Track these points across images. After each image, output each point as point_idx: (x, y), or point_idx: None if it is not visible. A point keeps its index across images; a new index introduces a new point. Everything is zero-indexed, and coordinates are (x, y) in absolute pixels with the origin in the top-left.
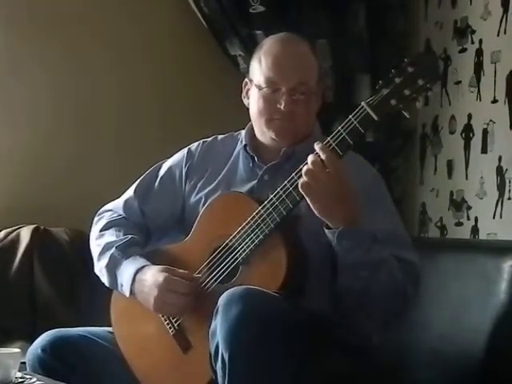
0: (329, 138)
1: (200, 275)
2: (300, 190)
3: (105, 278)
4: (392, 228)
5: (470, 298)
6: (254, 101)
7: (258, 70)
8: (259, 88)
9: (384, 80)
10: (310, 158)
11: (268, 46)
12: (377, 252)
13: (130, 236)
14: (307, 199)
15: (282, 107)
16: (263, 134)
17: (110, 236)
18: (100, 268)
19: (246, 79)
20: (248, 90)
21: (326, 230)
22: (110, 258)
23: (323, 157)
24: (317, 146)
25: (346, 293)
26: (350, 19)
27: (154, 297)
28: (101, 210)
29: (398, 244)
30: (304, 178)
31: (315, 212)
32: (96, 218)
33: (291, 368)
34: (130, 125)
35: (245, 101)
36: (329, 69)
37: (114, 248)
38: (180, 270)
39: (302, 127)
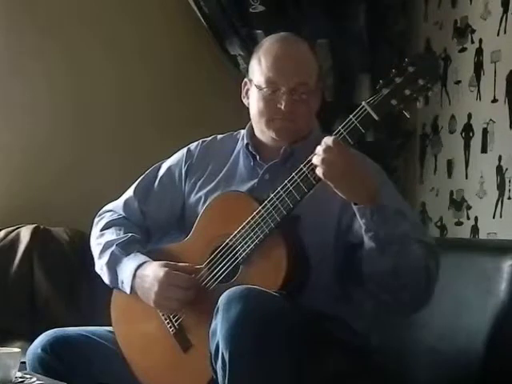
0: None
1: (202, 267)
2: (322, 178)
3: (105, 276)
4: (409, 211)
5: (469, 297)
6: (253, 101)
7: (258, 71)
8: (259, 88)
9: (384, 80)
10: (321, 147)
11: (267, 45)
12: (404, 226)
13: (130, 234)
14: (331, 185)
15: (282, 107)
16: (263, 134)
17: (111, 235)
18: (101, 266)
19: (246, 79)
20: (248, 90)
21: (355, 207)
22: (111, 255)
23: (332, 143)
24: (326, 138)
25: (376, 274)
26: (349, 19)
27: (155, 292)
28: (101, 211)
29: (415, 227)
30: (321, 167)
31: (342, 196)
32: (96, 219)
33: (291, 367)
34: (129, 125)
35: (244, 101)
36: (329, 69)
37: (114, 245)
38: (181, 264)
39: (302, 127)
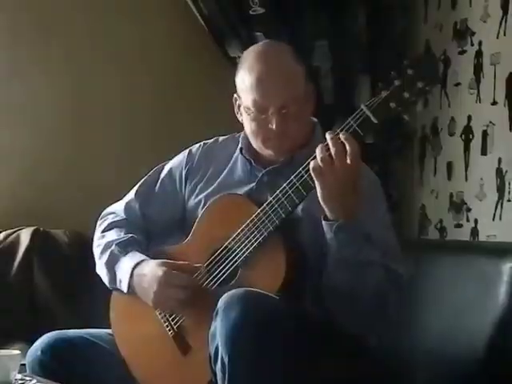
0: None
1: (200, 265)
2: (311, 172)
3: (105, 276)
4: (383, 236)
5: (469, 299)
6: (246, 122)
7: (244, 91)
8: (248, 111)
9: (383, 82)
10: (331, 140)
11: (249, 63)
12: (367, 253)
13: (130, 235)
14: (316, 183)
15: (273, 128)
16: (261, 151)
17: (111, 236)
18: (100, 266)
19: (235, 95)
20: (239, 105)
21: (324, 222)
22: (110, 254)
23: (344, 143)
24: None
25: (332, 290)
26: (350, 20)
27: (154, 291)
28: (103, 213)
29: (387, 252)
30: (319, 163)
31: (319, 198)
32: (99, 222)
33: (291, 370)
34: (129, 127)
35: (238, 116)
36: (329, 70)
37: (114, 245)
38: (179, 262)
39: (298, 138)
